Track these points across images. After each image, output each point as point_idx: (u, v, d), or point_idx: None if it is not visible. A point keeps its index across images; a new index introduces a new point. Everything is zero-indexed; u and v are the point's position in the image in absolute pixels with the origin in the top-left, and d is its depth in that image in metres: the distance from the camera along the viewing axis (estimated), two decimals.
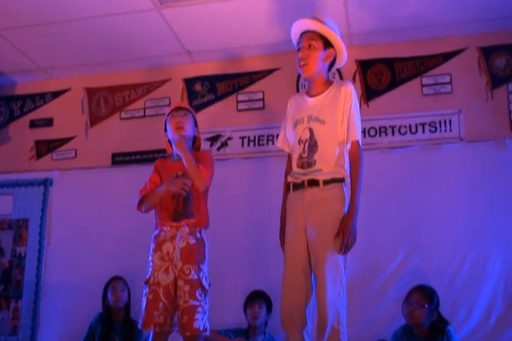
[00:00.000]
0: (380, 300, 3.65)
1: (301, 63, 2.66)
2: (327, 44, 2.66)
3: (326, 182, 2.55)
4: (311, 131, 2.62)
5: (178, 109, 2.89)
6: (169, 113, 2.90)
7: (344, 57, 2.75)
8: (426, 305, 3.18)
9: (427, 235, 3.70)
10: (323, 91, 2.67)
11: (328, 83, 2.70)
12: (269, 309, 3.58)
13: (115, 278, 3.85)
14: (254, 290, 3.66)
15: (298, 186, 2.61)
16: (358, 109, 2.64)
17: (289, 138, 2.77)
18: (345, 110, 2.59)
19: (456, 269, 3.62)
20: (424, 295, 3.24)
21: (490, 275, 3.56)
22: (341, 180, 2.58)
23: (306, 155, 2.61)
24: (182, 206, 2.72)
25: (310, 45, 2.64)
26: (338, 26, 2.72)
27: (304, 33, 2.69)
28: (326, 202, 2.53)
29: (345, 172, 2.59)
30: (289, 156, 2.77)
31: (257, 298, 3.59)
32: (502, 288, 3.54)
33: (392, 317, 3.44)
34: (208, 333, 2.65)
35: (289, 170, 2.73)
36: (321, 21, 2.66)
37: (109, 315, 3.76)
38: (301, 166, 2.61)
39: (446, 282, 3.60)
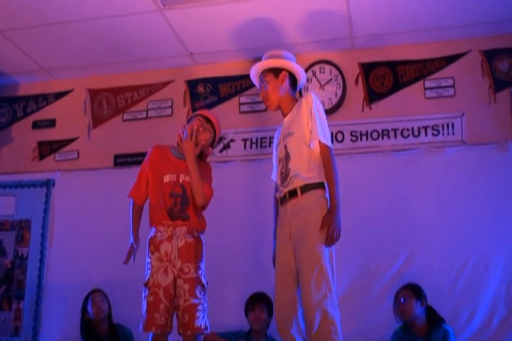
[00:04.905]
0: (381, 303, 3.64)
1: (265, 103, 2.90)
2: (277, 71, 2.83)
3: (303, 190, 2.62)
4: (285, 147, 2.74)
5: (208, 121, 2.82)
6: (198, 115, 2.84)
7: (298, 70, 2.87)
8: (412, 297, 3.27)
9: (429, 239, 3.70)
10: (291, 110, 2.81)
11: (295, 101, 2.84)
12: (270, 311, 3.56)
13: (94, 291, 3.78)
14: (255, 293, 3.65)
15: (282, 200, 2.72)
16: (322, 113, 2.73)
17: (274, 165, 2.90)
18: (308, 115, 2.69)
19: (458, 273, 3.62)
20: (408, 289, 3.34)
21: (492, 279, 3.56)
22: (319, 186, 2.63)
23: (284, 169, 2.72)
24: (179, 207, 2.70)
25: (264, 83, 2.85)
26: (285, 51, 2.90)
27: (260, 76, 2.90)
28: (306, 208, 2.61)
29: (323, 175, 2.64)
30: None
31: (258, 302, 3.57)
32: (504, 292, 3.54)
33: (392, 321, 3.43)
34: (208, 331, 2.65)
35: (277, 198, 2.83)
36: (266, 56, 2.87)
37: (92, 331, 3.66)
38: (282, 180, 2.72)
39: (448, 286, 3.60)
